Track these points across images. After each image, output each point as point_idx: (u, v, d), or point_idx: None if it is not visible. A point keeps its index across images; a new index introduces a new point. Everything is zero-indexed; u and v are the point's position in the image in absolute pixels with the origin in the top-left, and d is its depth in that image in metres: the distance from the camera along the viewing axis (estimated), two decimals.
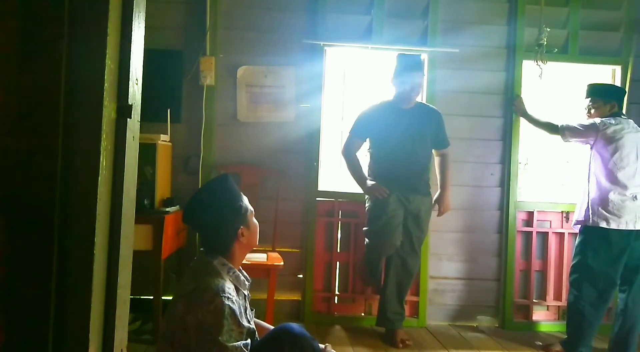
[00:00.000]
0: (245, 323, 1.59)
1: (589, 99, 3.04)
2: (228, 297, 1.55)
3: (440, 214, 3.14)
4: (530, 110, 3.34)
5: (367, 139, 3.11)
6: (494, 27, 3.51)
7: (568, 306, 2.98)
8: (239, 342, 1.53)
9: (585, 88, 3.09)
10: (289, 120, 3.40)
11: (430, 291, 3.44)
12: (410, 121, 3.01)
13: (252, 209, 1.77)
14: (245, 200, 1.76)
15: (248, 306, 1.76)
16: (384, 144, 3.04)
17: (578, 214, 2.98)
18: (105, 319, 1.35)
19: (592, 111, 3.02)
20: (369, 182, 3.02)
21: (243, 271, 1.76)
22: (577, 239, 2.98)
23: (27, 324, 1.26)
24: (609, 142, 2.86)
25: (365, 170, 3.12)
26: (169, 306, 1.65)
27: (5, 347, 1.25)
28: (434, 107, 3.16)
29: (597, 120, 2.93)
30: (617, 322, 2.91)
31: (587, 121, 2.96)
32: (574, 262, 2.95)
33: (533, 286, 3.48)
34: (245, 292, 1.74)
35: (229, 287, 1.60)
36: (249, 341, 1.59)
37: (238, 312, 1.56)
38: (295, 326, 1.72)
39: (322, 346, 1.80)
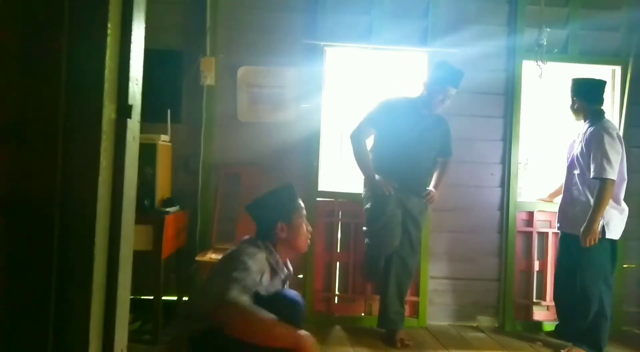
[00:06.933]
0: (258, 281, 1.70)
1: (576, 97, 2.93)
2: (257, 261, 1.72)
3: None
4: (589, 219, 2.76)
5: (376, 132, 3.05)
6: (494, 27, 3.51)
7: (593, 316, 2.81)
8: (241, 297, 1.58)
9: (575, 83, 2.98)
10: (289, 120, 3.40)
11: (430, 291, 3.44)
12: (426, 127, 3.01)
13: (303, 211, 1.92)
14: (299, 203, 1.92)
15: (282, 287, 1.89)
16: (394, 141, 3.00)
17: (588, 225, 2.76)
18: (105, 319, 1.35)
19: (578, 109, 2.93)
20: (376, 176, 2.99)
21: (288, 264, 1.92)
22: (584, 250, 2.77)
23: (27, 324, 1.26)
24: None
25: None
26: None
27: (5, 347, 1.26)
28: (441, 115, 3.12)
29: (613, 132, 2.78)
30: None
31: (613, 145, 2.74)
32: (588, 274, 2.80)
33: (533, 286, 3.48)
34: (282, 276, 1.87)
35: (261, 259, 1.76)
36: (248, 297, 1.63)
37: (258, 275, 1.70)
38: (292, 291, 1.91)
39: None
